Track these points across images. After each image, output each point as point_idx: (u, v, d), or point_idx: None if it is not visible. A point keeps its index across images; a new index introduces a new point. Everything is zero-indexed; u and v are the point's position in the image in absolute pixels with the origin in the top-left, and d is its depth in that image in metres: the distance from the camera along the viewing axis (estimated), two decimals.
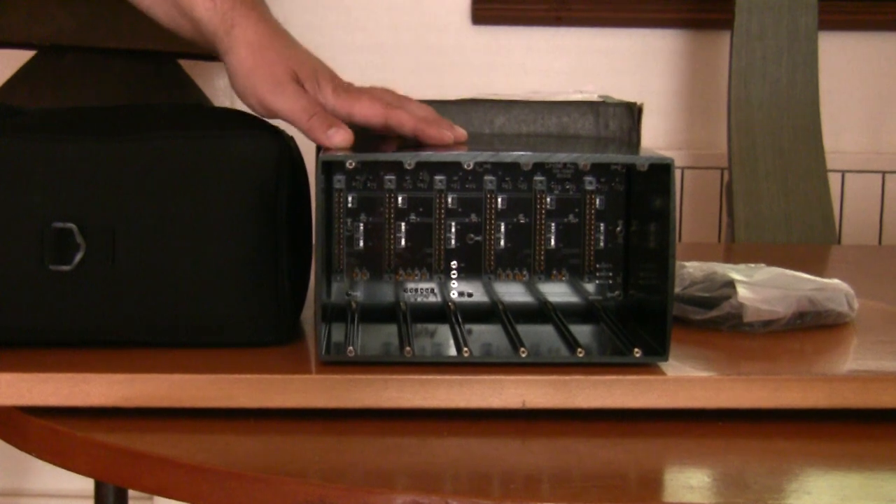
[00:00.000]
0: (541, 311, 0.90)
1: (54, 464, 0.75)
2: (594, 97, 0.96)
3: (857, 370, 0.82)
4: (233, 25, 0.90)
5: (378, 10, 2.14)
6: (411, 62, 2.14)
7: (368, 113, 0.87)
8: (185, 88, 1.77)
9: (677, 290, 0.95)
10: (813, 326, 0.94)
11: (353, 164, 0.85)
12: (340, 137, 0.84)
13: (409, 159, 0.82)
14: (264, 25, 0.91)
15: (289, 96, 0.87)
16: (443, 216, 0.89)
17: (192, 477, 0.69)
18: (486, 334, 0.86)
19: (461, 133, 0.88)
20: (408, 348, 0.79)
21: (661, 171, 0.80)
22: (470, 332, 0.86)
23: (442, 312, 0.89)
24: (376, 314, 0.89)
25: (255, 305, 0.83)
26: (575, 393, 0.77)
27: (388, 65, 2.11)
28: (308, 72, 0.89)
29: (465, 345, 0.80)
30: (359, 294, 0.90)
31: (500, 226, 0.90)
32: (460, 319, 0.86)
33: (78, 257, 0.82)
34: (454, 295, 0.90)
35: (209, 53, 0.94)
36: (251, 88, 0.88)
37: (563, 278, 0.91)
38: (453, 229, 0.90)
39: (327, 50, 2.28)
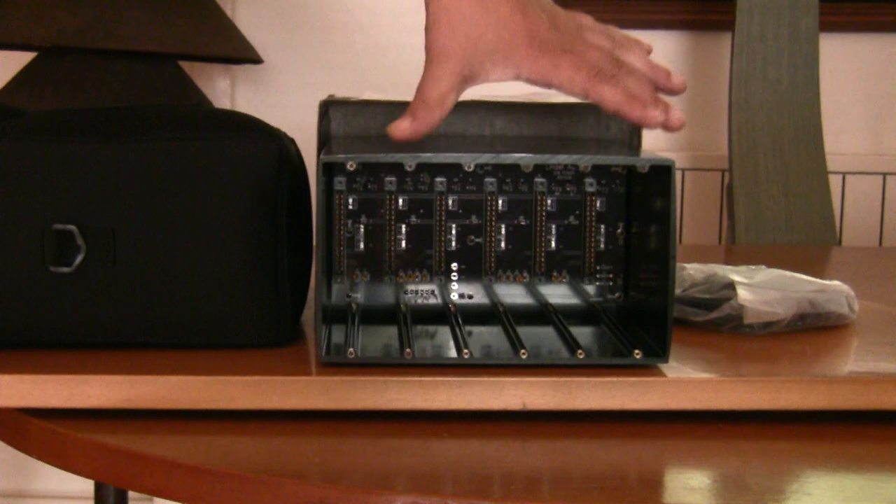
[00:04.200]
0: (541, 313, 0.90)
1: (55, 465, 0.75)
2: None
3: (858, 372, 0.82)
4: None
5: (379, 11, 2.14)
6: (412, 63, 2.14)
7: (567, 86, 0.81)
8: (185, 89, 1.77)
9: (678, 291, 0.95)
10: (813, 328, 0.94)
11: (354, 165, 0.85)
12: (403, 133, 0.79)
13: (410, 161, 0.82)
14: None
15: (427, 76, 0.80)
16: (443, 218, 0.89)
17: (192, 478, 0.69)
18: (486, 336, 0.86)
19: (676, 121, 0.80)
20: (408, 350, 0.79)
21: (662, 172, 0.80)
22: (470, 333, 0.86)
23: (442, 314, 0.89)
24: (377, 316, 0.89)
25: (255, 307, 0.83)
26: (575, 394, 0.77)
27: (389, 66, 2.11)
28: (491, 59, 0.81)
29: (466, 346, 0.80)
30: (359, 296, 0.90)
31: (500, 227, 0.90)
32: (460, 321, 0.86)
33: (78, 259, 0.82)
34: (454, 297, 0.90)
35: (208, 55, 0.94)
36: (425, 40, 0.81)
37: (564, 280, 0.91)
38: (454, 231, 0.90)
39: (328, 51, 2.28)
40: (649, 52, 0.89)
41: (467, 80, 0.81)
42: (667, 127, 0.80)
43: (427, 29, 0.82)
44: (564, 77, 0.81)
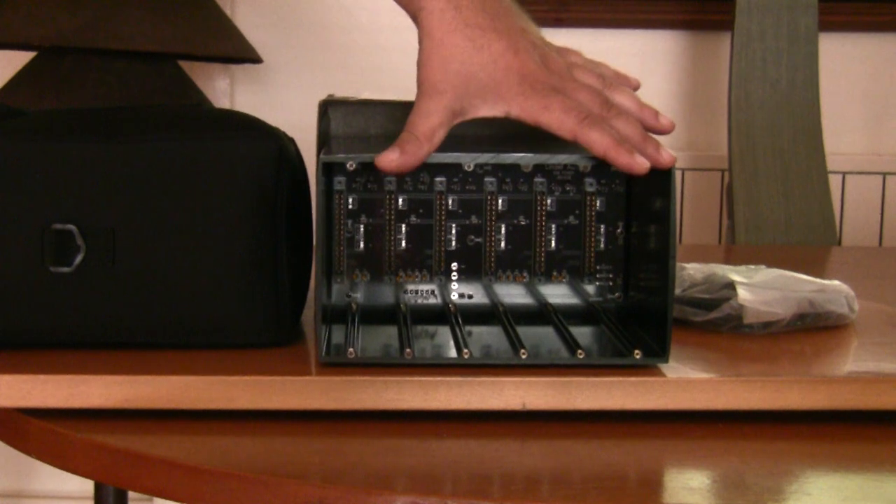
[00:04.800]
0: (541, 313, 0.90)
1: (54, 465, 0.75)
2: None
3: (857, 372, 0.82)
4: (420, 8, 0.82)
5: (378, 12, 2.14)
6: (412, 64, 2.14)
7: (556, 128, 0.81)
8: (185, 89, 1.77)
9: (677, 291, 0.95)
10: (813, 328, 0.94)
11: (354, 165, 0.85)
12: (392, 165, 0.79)
13: None
14: (452, 15, 0.81)
15: (418, 110, 0.81)
16: (443, 218, 0.89)
17: (192, 478, 0.69)
18: (486, 336, 0.86)
19: (667, 159, 0.80)
20: (408, 350, 0.79)
21: (662, 172, 0.80)
22: (470, 333, 0.86)
23: (442, 314, 0.89)
24: (376, 316, 0.89)
25: (255, 307, 0.83)
26: (575, 394, 0.77)
27: (389, 66, 2.11)
28: (480, 97, 0.81)
29: (466, 346, 0.80)
30: (359, 295, 0.90)
31: (500, 227, 0.90)
32: (460, 321, 0.86)
33: (78, 259, 0.82)
34: (454, 296, 0.90)
35: (208, 55, 0.93)
36: (417, 74, 0.82)
37: (564, 280, 0.91)
38: (453, 231, 0.90)
39: (327, 50, 2.28)
40: (637, 88, 0.90)
41: (457, 115, 0.82)
42: (657, 166, 0.80)
43: (419, 64, 0.82)
44: (554, 119, 0.81)
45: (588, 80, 0.85)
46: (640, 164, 0.79)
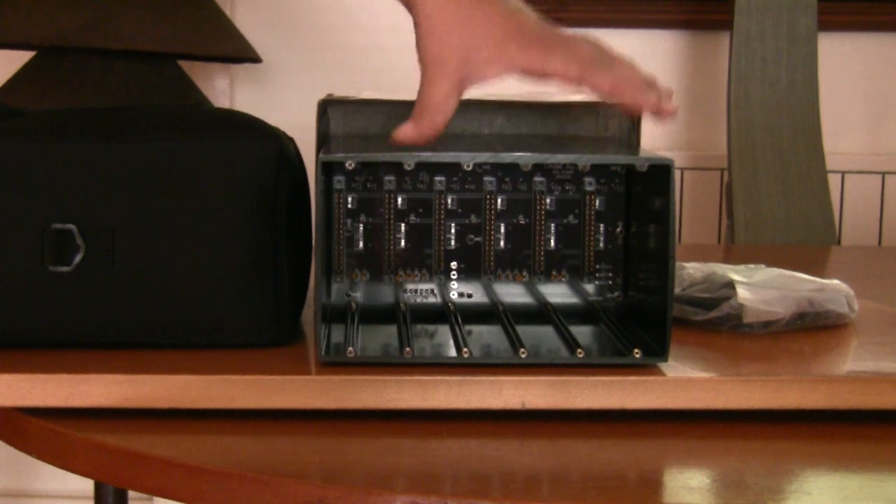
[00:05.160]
0: (540, 312, 0.90)
1: (54, 464, 0.75)
2: (594, 98, 0.96)
3: (857, 371, 0.82)
4: None
5: (378, 12, 2.14)
6: (411, 63, 2.14)
7: (560, 73, 0.81)
8: (184, 89, 1.77)
9: (677, 290, 0.95)
10: (813, 327, 0.94)
11: (353, 164, 0.85)
12: (407, 137, 0.80)
13: (409, 160, 0.82)
14: None
15: (425, 83, 0.81)
16: (442, 217, 0.89)
17: (192, 478, 0.69)
18: (485, 335, 0.86)
19: (670, 108, 0.81)
20: (407, 349, 0.79)
21: (661, 171, 0.80)
22: (470, 332, 0.86)
23: (442, 313, 0.89)
24: (376, 315, 0.89)
25: (254, 306, 0.83)
26: (574, 394, 0.77)
27: (388, 66, 2.11)
28: (483, 55, 0.81)
29: (465, 346, 0.80)
30: (359, 295, 0.90)
31: (499, 227, 0.90)
32: (460, 320, 0.86)
33: (78, 258, 0.82)
34: (454, 296, 0.90)
35: (208, 55, 0.93)
36: (417, 52, 0.82)
37: (563, 279, 0.91)
38: (453, 230, 0.90)
39: (327, 50, 2.28)
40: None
41: (465, 81, 0.82)
42: (661, 112, 0.81)
43: (418, 41, 0.83)
44: (558, 66, 0.81)
45: (587, 41, 0.85)
46: (649, 99, 0.79)
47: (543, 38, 0.83)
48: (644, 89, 0.81)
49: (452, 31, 0.82)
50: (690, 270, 0.98)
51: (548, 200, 0.90)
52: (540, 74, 0.82)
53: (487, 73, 0.82)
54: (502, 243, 0.90)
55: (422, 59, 0.82)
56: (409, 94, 0.87)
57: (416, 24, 0.83)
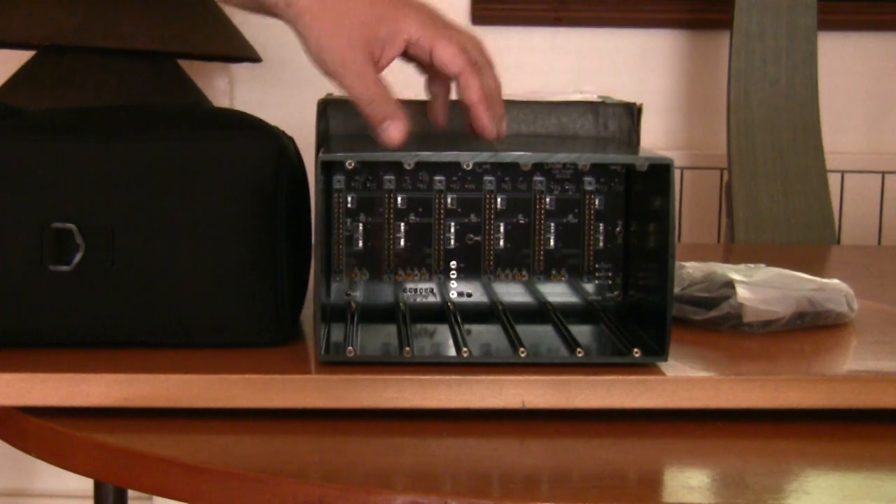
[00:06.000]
0: (540, 312, 0.90)
1: (54, 464, 0.75)
2: (593, 97, 0.96)
3: (857, 370, 0.82)
4: None
5: None
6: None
7: (447, 59, 0.81)
8: (184, 88, 1.77)
9: (677, 290, 0.95)
10: (812, 327, 0.94)
11: (353, 164, 0.85)
12: (393, 134, 0.79)
13: (409, 159, 0.82)
14: None
15: (350, 79, 0.80)
16: (442, 216, 0.89)
17: (192, 477, 0.69)
18: (485, 334, 0.86)
19: (503, 131, 0.83)
20: (407, 348, 0.79)
21: (661, 171, 0.80)
22: (469, 332, 0.86)
23: (441, 313, 0.89)
24: (376, 314, 0.89)
25: (254, 305, 0.83)
26: (574, 393, 0.77)
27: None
28: (384, 31, 0.81)
29: (465, 345, 0.80)
30: (358, 294, 0.90)
31: (499, 226, 0.90)
32: (459, 320, 0.86)
33: (77, 257, 0.82)
34: (453, 295, 0.90)
35: (207, 54, 0.93)
36: (321, 66, 0.81)
37: (563, 278, 0.91)
38: (453, 229, 0.90)
39: None
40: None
41: (377, 63, 0.82)
42: (491, 137, 0.83)
43: (315, 45, 0.81)
44: (449, 52, 0.81)
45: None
46: (496, 128, 0.82)
47: (437, 18, 0.83)
48: (490, 117, 0.83)
49: (345, 16, 0.81)
50: (690, 270, 0.98)
51: (547, 200, 0.90)
52: (428, 52, 0.82)
53: (391, 50, 0.82)
54: (502, 243, 0.90)
55: (329, 56, 0.81)
56: (409, 93, 0.87)
57: (301, 22, 0.81)
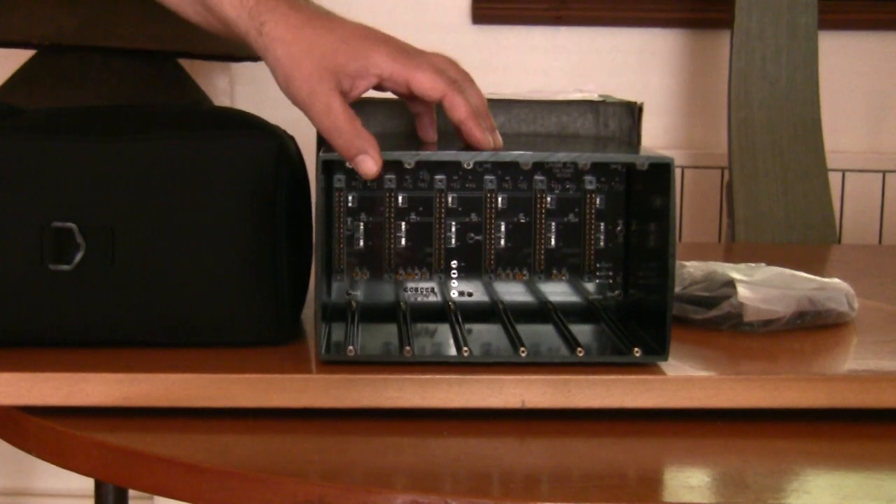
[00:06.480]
0: (541, 311, 0.90)
1: (54, 463, 0.75)
2: (594, 97, 0.96)
3: (857, 370, 0.82)
4: (262, 23, 0.81)
5: (378, 10, 2.14)
6: None
7: (427, 87, 0.81)
8: (184, 88, 1.77)
9: (677, 289, 0.95)
10: (813, 326, 0.94)
11: None
12: (366, 168, 0.78)
13: (409, 159, 0.82)
14: (296, 16, 0.82)
15: (317, 111, 0.81)
16: (443, 215, 0.89)
17: (192, 476, 0.69)
18: (485, 334, 0.86)
19: (499, 141, 0.83)
20: (408, 348, 0.79)
21: (661, 170, 0.80)
22: (470, 331, 0.86)
23: (442, 312, 0.89)
24: (376, 314, 0.89)
25: (255, 305, 0.83)
26: (574, 392, 0.77)
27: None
28: (353, 66, 0.81)
29: (465, 344, 0.80)
30: (359, 293, 0.90)
31: (500, 225, 0.90)
32: (460, 319, 0.86)
33: (78, 257, 0.82)
34: (454, 294, 0.90)
35: (207, 53, 0.93)
36: (291, 97, 0.82)
37: (563, 278, 0.91)
38: (453, 229, 0.90)
39: None
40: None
41: (346, 95, 0.81)
42: (487, 148, 0.82)
43: (284, 75, 0.81)
44: (426, 79, 0.81)
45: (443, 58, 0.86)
46: (489, 141, 0.81)
47: (407, 49, 0.83)
48: (483, 129, 0.82)
49: (316, 47, 0.81)
50: (690, 269, 0.98)
51: (548, 199, 0.90)
52: (404, 84, 0.81)
53: (361, 84, 0.82)
54: (502, 242, 0.90)
55: (298, 88, 0.81)
56: None
57: (272, 52, 0.82)
